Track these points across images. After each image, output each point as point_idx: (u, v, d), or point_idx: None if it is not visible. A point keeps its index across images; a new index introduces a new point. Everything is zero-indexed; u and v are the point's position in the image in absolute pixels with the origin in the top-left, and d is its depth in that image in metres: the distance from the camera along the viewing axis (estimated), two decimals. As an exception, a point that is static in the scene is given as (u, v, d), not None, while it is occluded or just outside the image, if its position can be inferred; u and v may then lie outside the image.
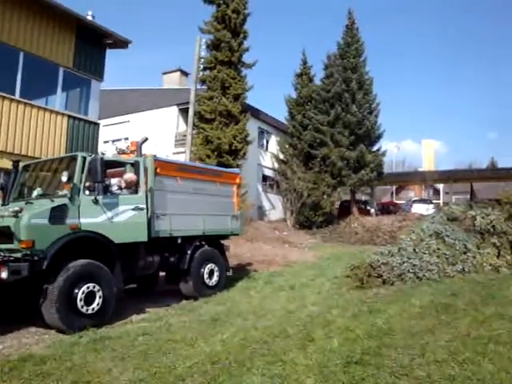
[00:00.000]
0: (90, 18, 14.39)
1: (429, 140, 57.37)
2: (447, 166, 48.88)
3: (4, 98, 11.80)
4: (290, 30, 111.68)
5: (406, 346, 5.37)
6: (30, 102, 12.47)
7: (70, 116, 13.47)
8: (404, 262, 10.07)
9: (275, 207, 27.48)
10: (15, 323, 6.96)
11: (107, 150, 12.57)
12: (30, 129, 12.37)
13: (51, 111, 12.99)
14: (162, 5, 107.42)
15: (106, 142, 22.06)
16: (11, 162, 8.42)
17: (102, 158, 7.13)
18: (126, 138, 24.28)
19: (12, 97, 12.00)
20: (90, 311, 6.67)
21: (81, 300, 6.56)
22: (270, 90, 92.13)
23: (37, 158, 11.13)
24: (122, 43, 14.79)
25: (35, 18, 12.57)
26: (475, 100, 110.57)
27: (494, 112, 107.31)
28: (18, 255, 6.24)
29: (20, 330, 6.71)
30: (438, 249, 10.92)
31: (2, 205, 7.93)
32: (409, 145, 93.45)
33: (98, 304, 6.78)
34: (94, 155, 7.33)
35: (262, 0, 57.67)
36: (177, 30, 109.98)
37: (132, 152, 8.51)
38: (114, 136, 24.09)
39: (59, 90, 13.31)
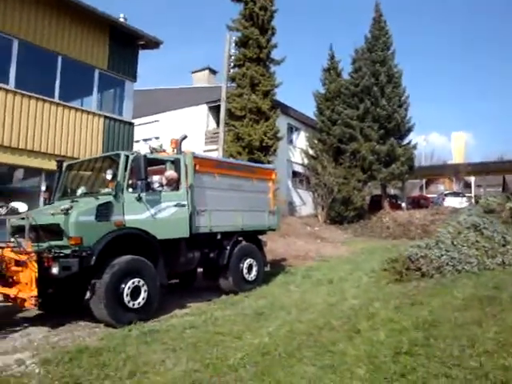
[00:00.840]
0: (122, 20, 14.71)
1: (459, 132, 56.06)
2: (476, 159, 47.75)
3: (44, 101, 12.20)
4: (317, 25, 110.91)
5: (453, 337, 5.33)
6: (68, 104, 12.85)
7: (105, 116, 13.83)
8: (442, 255, 9.95)
9: (305, 203, 27.45)
10: (65, 317, 7.23)
11: (140, 150, 12.84)
12: (69, 130, 12.76)
13: (88, 112, 13.36)
14: (187, 3, 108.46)
15: (136, 141, 22.40)
16: (55, 163, 8.65)
17: (145, 156, 7.25)
18: (157, 137, 24.59)
19: (52, 99, 12.40)
20: (136, 306, 6.81)
21: (127, 295, 6.70)
22: (297, 85, 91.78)
23: (76, 159, 11.45)
24: (153, 44, 15.07)
25: (72, 22, 12.96)
26: (503, 91, 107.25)
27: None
28: (68, 251, 6.42)
29: (71, 324, 6.98)
30: (477, 241, 10.73)
31: (48, 204, 8.21)
32: (435, 138, 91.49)
33: (143, 298, 6.91)
34: (136, 153, 7.44)
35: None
36: (204, 28, 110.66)
37: (173, 150, 8.59)
38: (145, 135, 24.48)
39: (95, 91, 13.68)
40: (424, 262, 9.76)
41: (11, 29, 11.49)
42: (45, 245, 6.59)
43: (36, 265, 6.22)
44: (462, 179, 46.04)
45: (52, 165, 8.98)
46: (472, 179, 41.47)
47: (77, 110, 13.11)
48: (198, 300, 8.67)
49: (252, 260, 9.66)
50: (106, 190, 7.32)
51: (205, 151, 22.23)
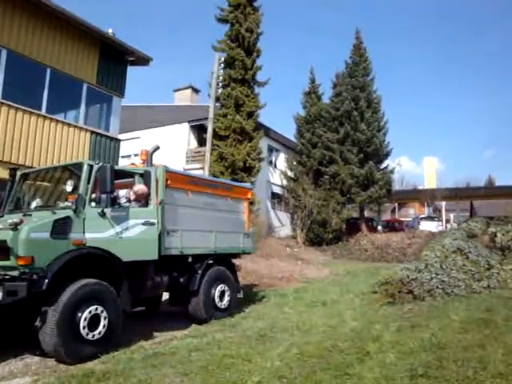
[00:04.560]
0: (110, 35, 14.57)
1: (431, 158, 57.44)
2: (445, 184, 48.61)
3: (31, 113, 11.85)
4: (298, 48, 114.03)
5: (463, 359, 5.34)
6: (55, 117, 12.53)
7: (92, 132, 13.53)
8: (433, 278, 10.10)
9: (284, 224, 27.50)
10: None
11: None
12: (55, 144, 12.41)
13: (75, 126, 13.04)
14: (171, 21, 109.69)
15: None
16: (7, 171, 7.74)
17: (111, 167, 6.47)
18: (136, 155, 24.34)
19: (39, 112, 12.06)
20: (94, 337, 5.97)
21: (84, 325, 5.85)
22: (276, 106, 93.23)
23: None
24: (143, 60, 14.97)
25: (62, 34, 12.72)
26: (471, 117, 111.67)
27: (490, 129, 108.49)
28: (15, 273, 5.58)
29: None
30: (464, 265, 10.96)
31: None
32: (405, 162, 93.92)
33: (103, 328, 6.09)
34: (102, 163, 6.72)
35: (271, 19, 58.43)
36: (187, 47, 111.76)
37: (142, 162, 7.79)
38: (124, 152, 24.11)
39: (83, 105, 13.39)
40: (416, 284, 9.87)
41: (0, 39, 11.18)
42: None
43: None
44: (432, 203, 47.27)
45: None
46: (443, 204, 42.58)
47: (64, 123, 12.77)
48: (174, 327, 8.08)
49: (224, 286, 8.86)
50: (65, 204, 6.46)
51: (186, 170, 22.10)
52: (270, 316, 8.68)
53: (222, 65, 18.97)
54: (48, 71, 12.40)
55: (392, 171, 27.22)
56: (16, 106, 11.47)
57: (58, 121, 12.60)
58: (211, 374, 5.13)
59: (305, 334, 7.09)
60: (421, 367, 5.09)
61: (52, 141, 12.36)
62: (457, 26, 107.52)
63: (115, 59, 14.35)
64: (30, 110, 11.86)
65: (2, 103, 11.20)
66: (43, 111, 12.24)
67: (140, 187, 7.17)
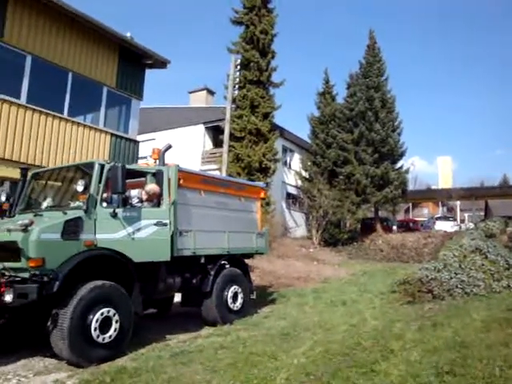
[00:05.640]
0: (129, 38, 14.82)
1: (445, 157, 56.66)
2: (458, 183, 47.60)
3: (54, 116, 12.12)
4: (312, 49, 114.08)
5: (488, 357, 5.35)
6: (76, 120, 12.81)
7: (112, 134, 13.78)
8: (452, 278, 10.11)
9: (298, 224, 27.57)
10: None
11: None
12: (77, 146, 12.66)
13: (95, 129, 13.30)
14: (185, 22, 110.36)
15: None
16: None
17: (123, 166, 6.31)
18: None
19: (61, 115, 12.32)
20: (105, 340, 5.88)
21: (95, 328, 5.76)
22: (290, 108, 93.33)
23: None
24: (161, 63, 15.18)
25: (83, 39, 12.99)
26: (481, 116, 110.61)
27: (500, 129, 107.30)
28: (26, 275, 5.48)
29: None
30: (483, 265, 10.94)
31: (8, 217, 7.14)
32: (416, 161, 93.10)
33: (114, 331, 6.00)
34: (113, 163, 6.57)
35: (285, 20, 58.49)
36: (202, 50, 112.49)
37: (154, 161, 7.60)
38: (140, 154, 24.40)
39: (103, 108, 13.64)
40: (435, 284, 9.89)
41: (25, 45, 11.47)
42: None
43: None
44: (446, 203, 46.93)
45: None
46: (457, 203, 42.24)
47: (85, 126, 13.04)
48: (198, 326, 8.16)
49: (237, 287, 8.68)
50: (76, 204, 6.36)
51: (202, 171, 22.29)
52: (291, 315, 8.78)
53: (238, 67, 19.13)
54: (70, 75, 12.67)
55: (407, 171, 27.18)
56: (39, 109, 11.75)
57: (79, 123, 12.87)
58: (240, 370, 5.24)
59: (327, 332, 7.18)
60: (446, 365, 5.12)
61: (74, 143, 12.60)
62: (466, 26, 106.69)
63: (134, 62, 14.58)
64: (53, 113, 12.13)
65: (27, 107, 11.49)
66: (65, 114, 12.50)
67: (152, 187, 7.07)
